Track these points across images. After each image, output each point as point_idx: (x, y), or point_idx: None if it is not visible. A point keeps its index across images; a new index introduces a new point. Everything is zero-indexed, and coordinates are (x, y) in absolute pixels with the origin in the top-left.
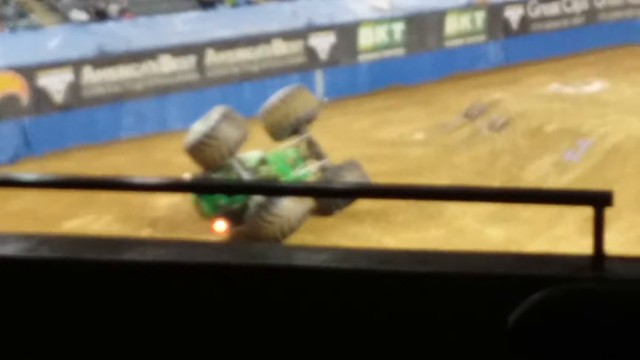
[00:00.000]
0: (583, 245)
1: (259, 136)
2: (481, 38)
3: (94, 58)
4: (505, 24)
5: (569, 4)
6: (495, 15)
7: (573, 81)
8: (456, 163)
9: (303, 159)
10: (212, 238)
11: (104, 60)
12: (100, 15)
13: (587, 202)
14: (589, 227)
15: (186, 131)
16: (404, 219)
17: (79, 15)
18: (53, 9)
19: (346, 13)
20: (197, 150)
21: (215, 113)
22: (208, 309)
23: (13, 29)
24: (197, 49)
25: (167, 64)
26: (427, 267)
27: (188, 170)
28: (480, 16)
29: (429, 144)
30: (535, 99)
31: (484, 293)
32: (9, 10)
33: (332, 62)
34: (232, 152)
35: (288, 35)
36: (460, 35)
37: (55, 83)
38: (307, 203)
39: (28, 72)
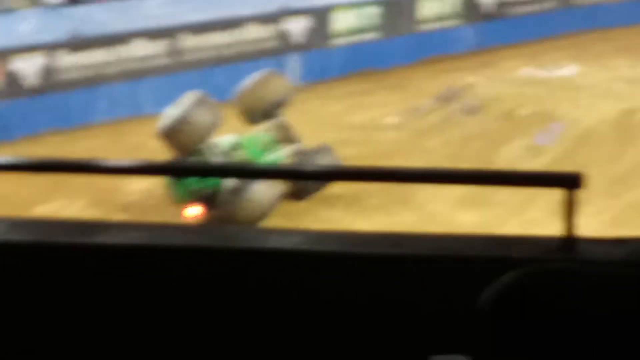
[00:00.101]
0: (555, 229)
1: (233, 120)
2: (456, 22)
3: (67, 42)
4: (480, 7)
5: None
6: None
7: (546, 65)
8: (429, 147)
9: (276, 143)
10: (184, 222)
11: (77, 44)
12: None
13: (558, 184)
14: (561, 211)
15: (159, 115)
16: (376, 203)
17: None
18: None
19: None
20: (170, 135)
21: (189, 98)
22: (180, 292)
23: None
24: (170, 33)
25: (140, 48)
26: (400, 249)
27: (162, 155)
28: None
29: (401, 128)
30: (508, 83)
31: (456, 275)
32: None
33: (306, 45)
34: (205, 137)
35: (262, 19)
36: (435, 18)
37: (28, 67)
38: (279, 187)
39: (1, 56)
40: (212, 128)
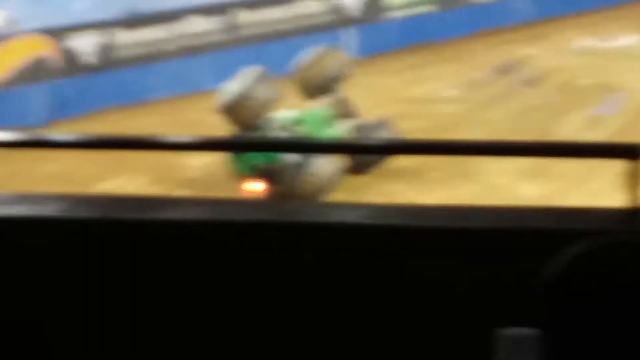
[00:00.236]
0: (618, 200)
1: (290, 96)
2: None
3: (124, 19)
4: None
5: None
6: None
7: (605, 35)
8: (488, 119)
9: (335, 118)
10: (246, 197)
11: (134, 20)
12: None
13: (621, 155)
14: (624, 182)
15: (218, 91)
16: (437, 176)
17: None
18: None
19: None
20: (231, 110)
21: (249, 73)
22: (244, 267)
23: None
24: (226, 8)
25: (196, 24)
26: (461, 222)
27: (220, 131)
28: None
29: (460, 101)
30: (567, 54)
31: (518, 247)
32: None
33: (363, 19)
34: (265, 113)
35: None
36: None
37: (86, 45)
38: (340, 162)
39: (59, 34)
40: (272, 103)
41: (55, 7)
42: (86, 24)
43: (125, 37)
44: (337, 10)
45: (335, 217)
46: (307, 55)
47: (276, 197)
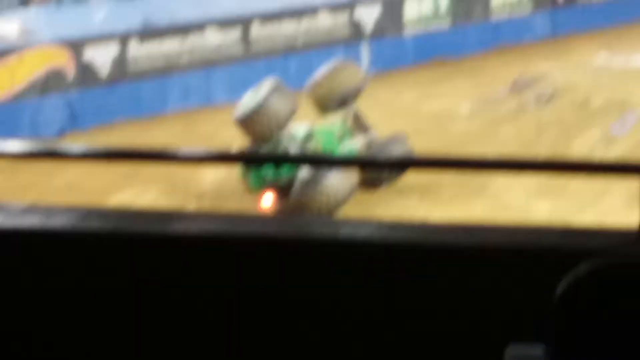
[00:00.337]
0: (631, 219)
1: (305, 109)
2: (527, 9)
3: (139, 31)
4: None
5: None
6: None
7: (621, 53)
8: (502, 136)
9: (349, 132)
10: (258, 211)
11: (149, 33)
12: None
13: (634, 172)
14: (637, 202)
15: (232, 104)
16: (450, 193)
17: None
18: None
19: None
20: (247, 123)
21: (266, 85)
22: (254, 280)
23: (59, 2)
24: (242, 22)
25: (212, 37)
26: (473, 240)
27: (234, 144)
28: None
29: (474, 117)
30: (582, 71)
31: (528, 266)
32: None
33: (378, 34)
34: (282, 125)
35: (333, 8)
36: (507, 6)
37: (101, 56)
38: (354, 178)
39: (74, 46)
40: (288, 116)
41: (70, 19)
42: (101, 36)
43: (140, 50)
44: (352, 25)
45: (346, 232)
46: (322, 69)
47: (288, 211)
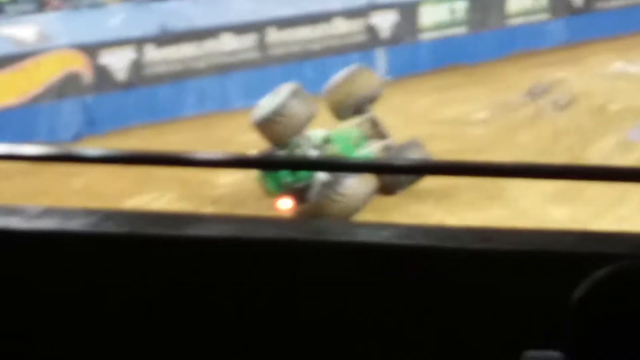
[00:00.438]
0: None
1: (321, 115)
2: (544, 16)
3: (156, 36)
4: (569, 1)
5: None
6: None
7: (637, 60)
8: (518, 142)
9: (366, 138)
10: (275, 215)
11: (165, 38)
12: None
13: None
14: None
15: (248, 110)
16: (466, 198)
17: None
18: None
19: None
20: (265, 126)
21: (285, 89)
22: (270, 284)
23: (75, 6)
24: (258, 27)
25: (228, 42)
26: (489, 244)
27: (250, 148)
28: None
29: (490, 123)
30: (599, 78)
31: (546, 271)
32: None
33: (394, 40)
34: (300, 129)
35: (349, 14)
36: (523, 13)
37: (118, 61)
38: (371, 183)
39: (90, 50)
40: (307, 120)
41: (87, 24)
42: (118, 40)
43: (157, 54)
44: (368, 31)
45: (361, 236)
46: (339, 75)
47: (305, 216)
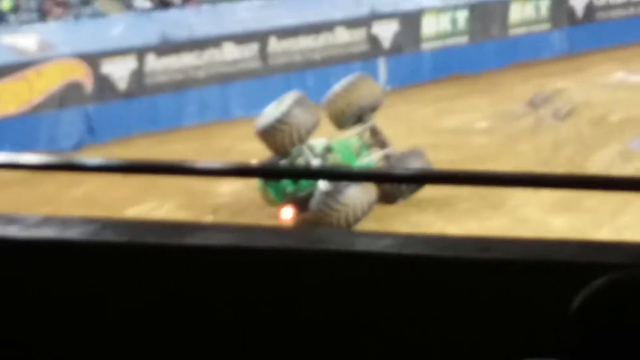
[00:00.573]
0: None
1: (322, 124)
2: (545, 26)
3: (157, 46)
4: (570, 12)
5: None
6: (559, 3)
7: (638, 70)
8: (519, 152)
9: (367, 147)
10: (275, 224)
11: (167, 47)
12: (164, 3)
13: None
14: None
15: (249, 119)
16: (467, 208)
17: (142, 3)
18: None
19: (410, 1)
20: (268, 134)
21: (289, 98)
22: (270, 293)
23: (77, 16)
24: (259, 37)
25: (229, 52)
26: (489, 253)
27: (250, 157)
28: (544, 4)
29: (492, 133)
30: (600, 88)
31: (546, 280)
32: None
33: (395, 50)
34: (303, 138)
35: (351, 23)
36: (524, 23)
37: (119, 70)
38: (372, 193)
39: (92, 60)
40: (310, 129)
41: (88, 33)
42: (119, 50)
43: (158, 64)
44: (370, 40)
45: (361, 245)
46: (340, 85)
47: (306, 225)
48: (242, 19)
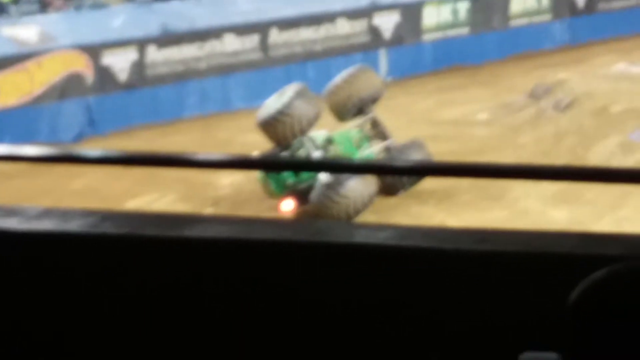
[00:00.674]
0: None
1: (322, 116)
2: (546, 17)
3: (158, 37)
4: (571, 3)
5: None
6: None
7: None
8: (520, 143)
9: (368, 139)
10: (275, 217)
11: (168, 39)
12: None
13: None
14: None
15: (250, 111)
16: (467, 199)
17: None
18: None
19: None
20: (269, 126)
21: (290, 89)
22: (269, 285)
23: (78, 7)
24: (260, 28)
25: (230, 43)
26: (488, 246)
27: (251, 149)
28: None
29: (493, 124)
30: (601, 79)
31: (546, 272)
32: None
33: (396, 41)
34: (304, 130)
35: (352, 14)
36: (526, 14)
37: (120, 62)
38: (373, 185)
39: (93, 51)
40: (311, 121)
41: (89, 24)
42: (120, 41)
43: (159, 55)
44: (371, 31)
45: (361, 237)
46: (340, 76)
47: (307, 217)
48: (243, 10)
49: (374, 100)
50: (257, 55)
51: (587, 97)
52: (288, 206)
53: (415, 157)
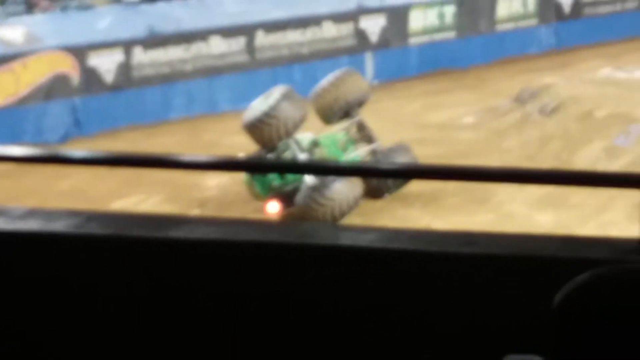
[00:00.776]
0: (633, 231)
1: (308, 119)
2: (533, 22)
3: (144, 38)
4: (557, 7)
5: None
6: None
7: (626, 66)
8: (506, 147)
9: (353, 142)
10: (261, 218)
11: (154, 40)
12: None
13: (637, 185)
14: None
15: (236, 113)
16: (453, 203)
17: None
18: None
19: None
20: (256, 128)
21: (277, 92)
22: (255, 287)
23: (64, 9)
24: (247, 31)
25: (217, 45)
26: (473, 248)
27: (237, 151)
28: (531, 0)
29: (478, 128)
30: (586, 84)
31: (530, 275)
32: None
33: (383, 44)
34: (290, 133)
35: (338, 17)
36: (512, 18)
37: (106, 63)
38: (359, 188)
39: (79, 52)
40: (297, 124)
41: (75, 26)
42: (106, 42)
43: (145, 57)
44: (357, 35)
45: (346, 240)
46: (326, 79)
47: (292, 219)
48: (230, 12)
49: (360, 103)
50: (243, 58)
51: (572, 101)
52: (273, 208)
53: (401, 160)
